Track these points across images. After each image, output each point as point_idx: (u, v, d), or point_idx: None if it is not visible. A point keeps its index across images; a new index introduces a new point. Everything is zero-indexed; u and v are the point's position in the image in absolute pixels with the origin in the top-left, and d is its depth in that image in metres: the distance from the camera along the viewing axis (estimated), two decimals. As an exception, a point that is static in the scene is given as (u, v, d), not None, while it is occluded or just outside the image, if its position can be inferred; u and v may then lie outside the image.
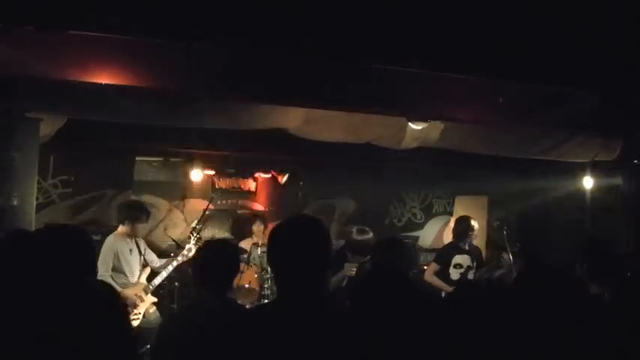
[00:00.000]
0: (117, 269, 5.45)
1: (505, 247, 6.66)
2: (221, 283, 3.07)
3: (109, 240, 5.54)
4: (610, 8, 3.88)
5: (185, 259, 5.78)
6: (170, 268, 5.72)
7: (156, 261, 5.84)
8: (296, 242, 2.19)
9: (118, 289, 5.27)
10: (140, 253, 5.68)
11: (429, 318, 2.30)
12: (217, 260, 3.08)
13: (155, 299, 5.64)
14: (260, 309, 2.40)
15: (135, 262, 5.60)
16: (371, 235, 5.00)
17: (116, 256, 5.46)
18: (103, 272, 5.30)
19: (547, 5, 3.86)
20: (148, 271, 5.72)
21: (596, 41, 4.15)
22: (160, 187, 8.08)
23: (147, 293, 5.53)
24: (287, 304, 2.18)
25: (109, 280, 5.28)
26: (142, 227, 5.74)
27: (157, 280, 5.67)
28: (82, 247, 2.63)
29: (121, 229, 5.62)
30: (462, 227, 6.22)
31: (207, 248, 3.23)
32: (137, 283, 5.56)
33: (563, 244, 8.10)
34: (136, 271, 5.59)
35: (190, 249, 5.81)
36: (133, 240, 5.65)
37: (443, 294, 6.08)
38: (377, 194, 9.00)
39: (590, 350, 2.05)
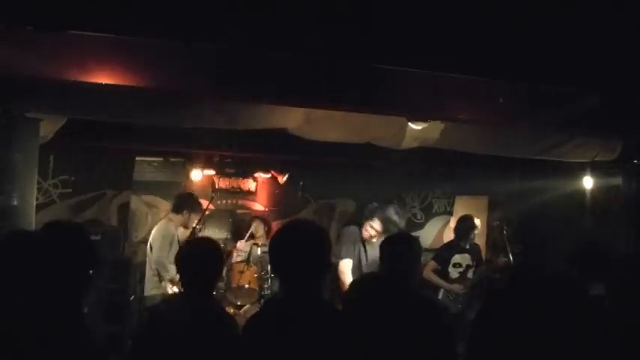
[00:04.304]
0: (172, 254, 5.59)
1: (505, 247, 6.67)
2: (198, 284, 2.99)
3: (166, 225, 5.73)
4: (610, 8, 3.88)
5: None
6: None
7: None
8: (298, 246, 2.28)
9: (174, 273, 5.44)
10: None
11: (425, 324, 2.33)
12: (195, 261, 3.03)
13: None
14: (265, 312, 2.43)
15: None
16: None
17: (174, 241, 5.59)
18: (161, 254, 5.44)
19: (547, 5, 3.86)
20: None
21: (596, 41, 4.14)
22: (160, 187, 8.08)
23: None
24: (291, 305, 2.23)
25: (167, 263, 5.42)
26: (194, 221, 5.97)
27: None
28: (81, 245, 2.62)
29: (175, 217, 5.78)
30: (465, 226, 6.24)
31: (187, 249, 3.20)
32: None
33: (563, 244, 8.10)
34: None
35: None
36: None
37: (441, 292, 6.09)
38: (377, 194, 8.98)
39: (589, 353, 2.05)
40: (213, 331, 2.57)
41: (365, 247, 5.36)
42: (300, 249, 2.28)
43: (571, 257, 3.71)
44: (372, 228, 5.27)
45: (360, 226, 5.41)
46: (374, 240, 5.27)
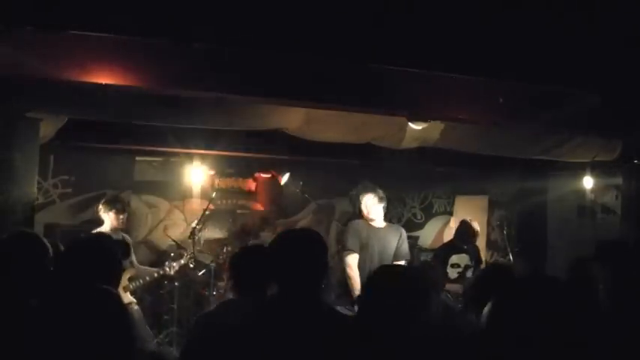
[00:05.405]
0: None
1: (505, 247, 6.67)
2: (255, 289, 3.02)
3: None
4: (610, 8, 3.88)
5: (168, 272, 5.84)
6: (148, 278, 5.81)
7: (138, 267, 5.90)
8: (299, 253, 2.37)
9: None
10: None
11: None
12: (249, 267, 3.07)
13: (133, 300, 5.62)
14: (263, 311, 2.48)
15: None
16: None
17: None
18: None
19: (547, 5, 3.86)
20: (132, 271, 5.73)
21: (596, 41, 4.15)
22: (160, 187, 8.08)
23: (125, 292, 5.54)
24: (290, 306, 2.32)
25: None
26: (121, 218, 5.70)
27: (135, 284, 5.70)
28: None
29: (105, 225, 5.67)
30: (463, 231, 6.24)
31: (240, 256, 3.21)
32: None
33: (563, 244, 8.11)
34: None
35: (174, 267, 5.90)
36: (120, 236, 5.69)
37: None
38: (377, 194, 8.98)
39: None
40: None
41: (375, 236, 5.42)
42: (297, 256, 2.37)
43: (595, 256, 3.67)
44: (365, 206, 5.46)
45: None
46: (373, 218, 5.43)
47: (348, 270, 5.29)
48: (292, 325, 2.25)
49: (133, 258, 5.86)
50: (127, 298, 5.53)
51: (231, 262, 3.22)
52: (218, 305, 3.25)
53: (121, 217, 5.69)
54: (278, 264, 2.44)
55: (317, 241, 2.45)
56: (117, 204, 5.77)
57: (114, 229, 5.65)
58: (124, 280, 5.59)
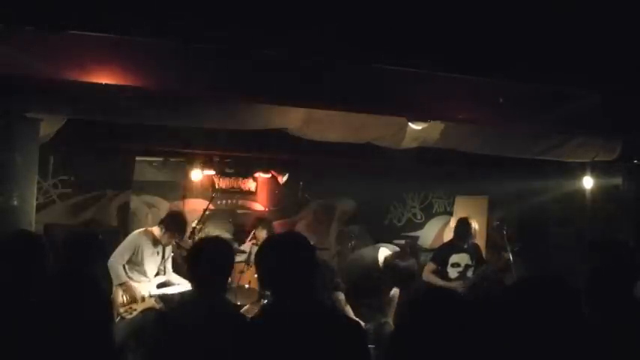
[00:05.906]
0: (134, 263, 5.50)
1: (505, 247, 6.66)
2: (216, 282, 2.98)
3: (135, 234, 5.63)
4: (610, 8, 3.88)
5: None
6: (174, 290, 5.78)
7: (169, 273, 5.89)
8: (287, 257, 2.39)
9: (125, 279, 5.37)
10: (163, 258, 5.72)
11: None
12: (211, 259, 3.00)
13: (153, 304, 5.59)
14: (263, 315, 2.52)
15: (154, 263, 5.63)
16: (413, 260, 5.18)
17: (136, 252, 5.49)
18: (116, 260, 5.36)
19: (547, 5, 3.86)
20: (162, 279, 5.74)
21: (596, 41, 4.15)
22: (160, 187, 8.08)
23: (150, 296, 5.55)
24: (286, 309, 2.35)
25: (118, 268, 5.36)
26: (170, 240, 5.72)
27: (163, 291, 5.69)
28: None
29: (155, 229, 5.65)
30: (462, 229, 6.23)
31: (201, 247, 3.18)
32: (148, 282, 5.58)
33: (563, 245, 8.11)
34: (151, 272, 5.61)
35: None
36: (162, 244, 5.70)
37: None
38: (377, 194, 9.00)
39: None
40: (230, 326, 2.60)
41: None
42: (283, 263, 2.38)
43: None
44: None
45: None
46: None
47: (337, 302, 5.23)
48: (297, 328, 2.27)
49: (168, 265, 5.86)
50: (151, 302, 5.54)
51: (187, 255, 3.18)
52: (179, 301, 3.22)
53: (171, 237, 5.66)
54: (267, 272, 2.45)
55: (302, 244, 2.45)
56: (180, 229, 5.70)
57: (155, 241, 5.64)
58: (152, 286, 5.61)
